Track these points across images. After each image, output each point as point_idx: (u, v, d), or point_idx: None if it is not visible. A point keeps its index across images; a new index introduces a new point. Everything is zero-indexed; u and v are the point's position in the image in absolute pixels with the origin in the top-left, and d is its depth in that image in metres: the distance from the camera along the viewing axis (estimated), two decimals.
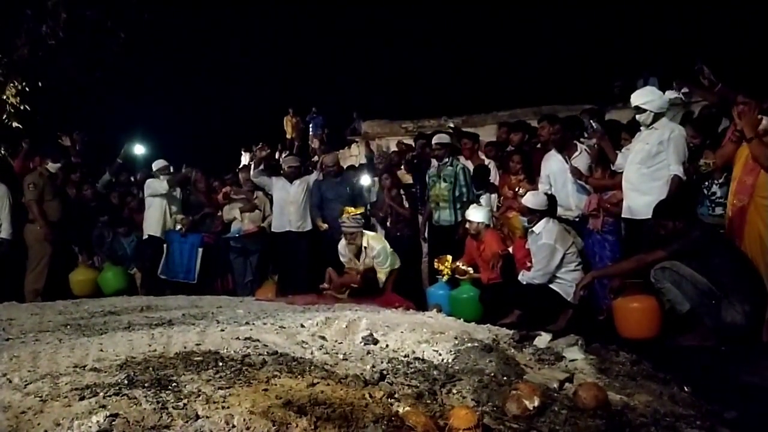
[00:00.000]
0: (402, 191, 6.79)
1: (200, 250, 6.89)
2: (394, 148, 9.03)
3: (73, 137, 7.79)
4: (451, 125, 8.51)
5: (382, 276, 5.70)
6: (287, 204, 6.59)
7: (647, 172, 4.52)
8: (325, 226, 6.38)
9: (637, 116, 4.63)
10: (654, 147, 4.48)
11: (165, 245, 6.91)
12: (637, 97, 4.59)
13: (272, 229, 6.74)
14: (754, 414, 2.52)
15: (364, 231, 5.82)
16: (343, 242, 5.85)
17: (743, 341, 3.74)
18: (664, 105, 4.56)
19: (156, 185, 6.93)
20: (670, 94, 4.71)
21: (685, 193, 4.52)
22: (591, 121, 5.41)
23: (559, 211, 5.20)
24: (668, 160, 4.42)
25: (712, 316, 3.81)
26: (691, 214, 4.26)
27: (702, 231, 4.03)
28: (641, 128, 4.66)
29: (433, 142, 6.38)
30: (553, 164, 5.44)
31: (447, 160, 6.14)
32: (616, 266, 4.52)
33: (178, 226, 6.98)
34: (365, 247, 5.72)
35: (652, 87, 5.06)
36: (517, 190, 5.68)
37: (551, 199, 5.03)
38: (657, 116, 4.53)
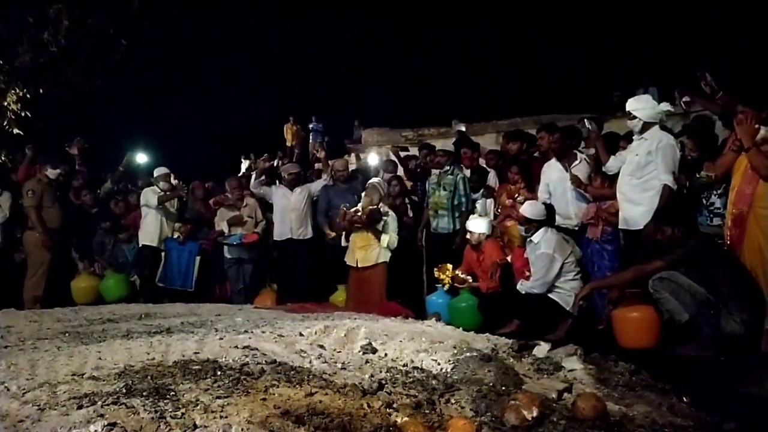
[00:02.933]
0: (407, 199, 6.80)
1: (198, 258, 6.90)
2: (391, 155, 9.04)
3: (77, 145, 7.82)
4: (462, 128, 8.49)
5: (385, 242, 5.72)
6: (288, 212, 6.57)
7: (638, 183, 4.55)
8: (333, 234, 6.34)
9: (628, 122, 4.70)
10: (643, 158, 4.51)
11: (163, 253, 6.91)
12: (631, 103, 4.67)
13: (274, 237, 6.73)
14: (753, 425, 2.51)
15: (382, 199, 5.91)
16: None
17: (742, 351, 3.73)
18: (656, 115, 4.59)
19: (149, 197, 6.88)
20: (664, 106, 4.73)
21: (684, 200, 4.53)
22: (585, 121, 5.43)
23: (559, 220, 5.21)
24: (658, 170, 4.43)
25: (711, 326, 3.81)
26: (690, 222, 4.26)
27: (699, 241, 4.04)
28: (633, 137, 4.70)
29: (437, 148, 6.45)
30: (553, 173, 5.44)
31: (448, 168, 6.16)
32: (615, 277, 4.52)
33: (176, 234, 6.98)
34: (380, 207, 5.80)
35: (648, 96, 5.09)
36: (516, 197, 5.68)
37: (549, 209, 5.03)
38: (647, 125, 4.56)
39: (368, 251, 5.76)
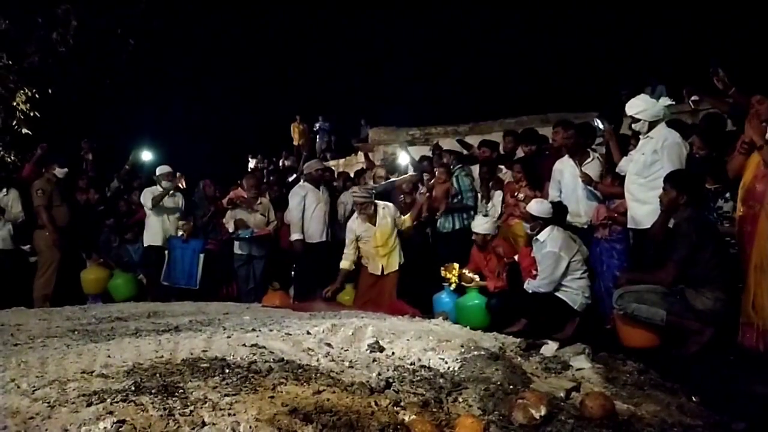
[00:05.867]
0: None
1: (202, 255, 6.81)
2: (401, 152, 9.04)
3: (88, 148, 7.87)
4: (458, 137, 8.54)
5: (408, 220, 5.82)
6: (323, 214, 6.42)
7: (644, 182, 4.51)
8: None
9: (633, 125, 4.66)
10: (649, 156, 4.48)
11: (167, 252, 6.89)
12: (631, 108, 4.61)
13: (307, 239, 6.42)
14: (762, 425, 2.50)
15: (375, 201, 5.80)
16: (352, 219, 5.83)
17: (723, 328, 3.82)
18: (659, 113, 4.55)
19: (147, 197, 6.82)
20: (664, 101, 4.69)
21: (700, 177, 4.48)
22: (598, 120, 5.40)
23: (568, 218, 5.18)
24: (664, 168, 4.41)
25: (687, 309, 3.86)
26: (698, 194, 4.18)
27: (694, 227, 3.98)
28: (640, 137, 4.68)
29: (444, 148, 6.45)
30: (565, 170, 5.41)
31: (451, 167, 6.14)
32: (649, 275, 4.36)
33: (180, 232, 6.95)
34: (379, 212, 5.72)
35: (645, 95, 5.03)
36: (516, 194, 5.66)
37: (557, 207, 5.01)
38: (652, 124, 4.54)
39: (390, 257, 5.72)
